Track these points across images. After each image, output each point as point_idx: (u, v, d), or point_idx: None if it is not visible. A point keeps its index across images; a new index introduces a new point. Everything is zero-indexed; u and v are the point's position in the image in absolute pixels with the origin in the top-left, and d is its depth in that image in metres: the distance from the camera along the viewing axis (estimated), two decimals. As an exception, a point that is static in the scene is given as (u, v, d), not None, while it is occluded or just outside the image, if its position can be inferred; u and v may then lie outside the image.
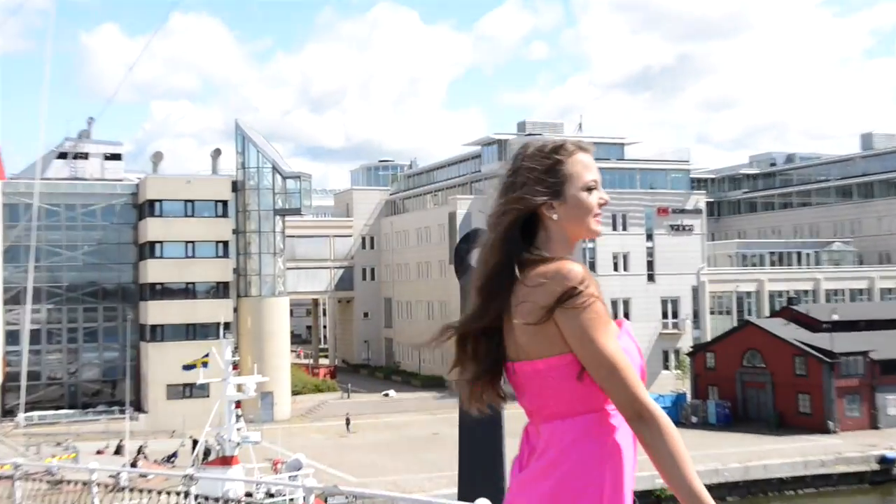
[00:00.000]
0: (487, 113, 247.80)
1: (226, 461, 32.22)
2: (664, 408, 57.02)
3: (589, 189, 2.44)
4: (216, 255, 61.52)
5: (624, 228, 70.61)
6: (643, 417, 2.24)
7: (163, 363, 58.50)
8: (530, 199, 2.41)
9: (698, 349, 61.46)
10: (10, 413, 57.30)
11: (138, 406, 60.14)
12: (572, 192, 2.43)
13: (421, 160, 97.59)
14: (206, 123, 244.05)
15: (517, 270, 2.35)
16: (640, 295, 70.09)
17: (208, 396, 56.16)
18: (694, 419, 56.15)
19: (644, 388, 2.26)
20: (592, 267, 69.28)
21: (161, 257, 60.37)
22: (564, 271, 2.30)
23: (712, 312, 72.63)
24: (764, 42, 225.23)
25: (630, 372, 2.25)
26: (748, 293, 73.30)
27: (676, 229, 71.93)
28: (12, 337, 59.17)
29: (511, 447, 2.95)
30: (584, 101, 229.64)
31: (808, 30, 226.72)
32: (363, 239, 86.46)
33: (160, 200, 60.80)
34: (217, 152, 67.91)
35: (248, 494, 25.20)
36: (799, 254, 78.78)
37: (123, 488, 9.87)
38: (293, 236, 76.34)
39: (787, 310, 60.33)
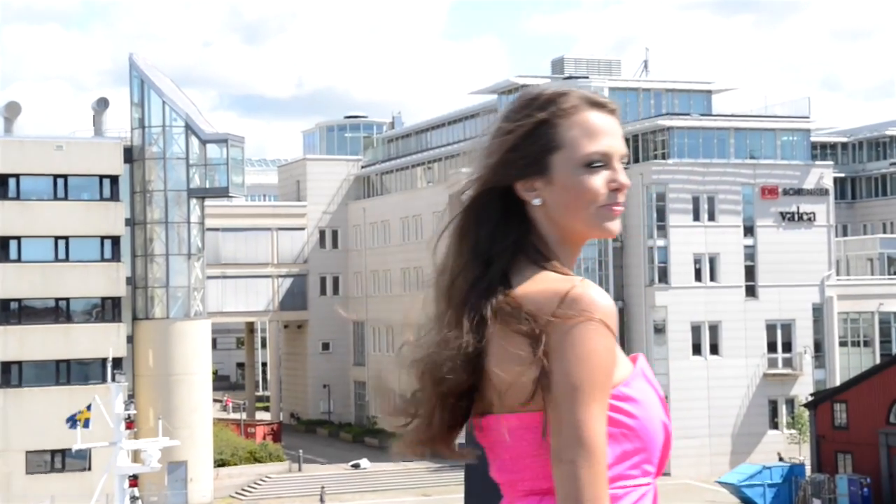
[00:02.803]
0: (508, 46, 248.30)
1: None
2: (771, 485, 57.30)
3: (591, 165, 2.46)
4: (101, 257, 61.44)
5: (711, 218, 70.51)
6: None
7: (21, 420, 58.40)
8: (498, 171, 2.48)
9: (822, 398, 61.36)
10: None
11: (-15, 483, 60.04)
12: (562, 169, 2.46)
13: (408, 116, 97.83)
14: (85, 60, 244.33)
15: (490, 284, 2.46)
16: (734, 317, 70.03)
17: (89, 469, 55.97)
18: (816, 503, 56.03)
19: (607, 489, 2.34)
20: (663, 275, 69.34)
21: (18, 261, 60.25)
22: (573, 295, 2.37)
23: (843, 343, 72.45)
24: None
25: (601, 464, 2.32)
26: (897, 314, 73.33)
27: (790, 219, 71.86)
28: None
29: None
30: (651, 28, 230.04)
31: None
32: (322, 233, 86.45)
33: (16, 175, 60.72)
34: (102, 103, 67.91)
35: None
36: (973, 256, 78.74)
37: None
38: (217, 229, 76.29)
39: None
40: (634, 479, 2.41)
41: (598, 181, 2.44)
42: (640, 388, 2.44)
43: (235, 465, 67.78)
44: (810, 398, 63.73)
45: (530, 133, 2.46)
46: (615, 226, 2.48)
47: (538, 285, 2.41)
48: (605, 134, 2.46)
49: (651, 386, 2.47)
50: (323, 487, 60.75)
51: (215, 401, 77.59)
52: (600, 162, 2.45)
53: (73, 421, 42.24)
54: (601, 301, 2.35)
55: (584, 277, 2.42)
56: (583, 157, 2.45)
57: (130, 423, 42.14)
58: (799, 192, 72.25)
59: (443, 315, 2.55)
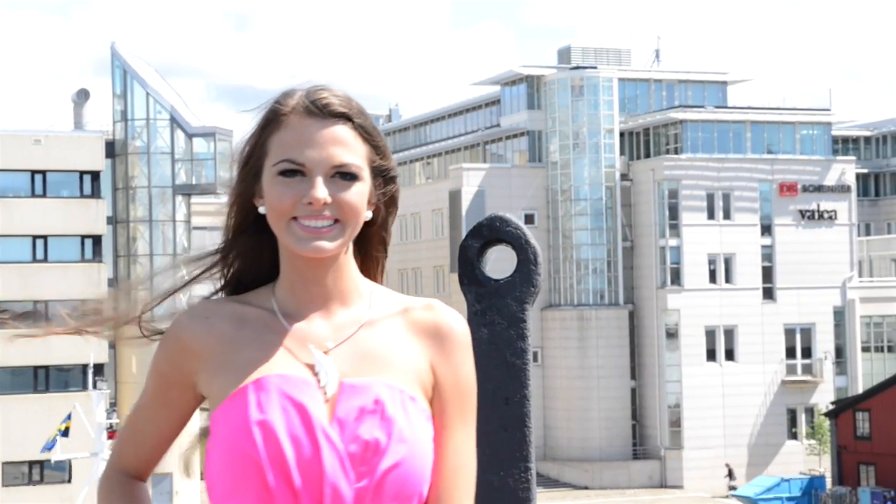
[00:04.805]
0: (513, 34, 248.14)
1: (97, 583, 32.40)
2: (789, 498, 57.26)
3: (285, 174, 2.30)
4: (82, 257, 61.46)
5: (726, 217, 70.51)
6: None
7: (-2, 428, 58.47)
8: (237, 184, 2.41)
9: (844, 407, 61.41)
10: None
11: (-41, 496, 60.08)
12: (266, 176, 2.34)
13: (406, 109, 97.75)
14: (66, 49, 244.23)
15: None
16: (751, 321, 70.02)
17: (69, 481, 55.98)
18: (837, 517, 56.10)
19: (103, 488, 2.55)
20: (676, 276, 69.28)
21: (-6, 261, 60.38)
22: None
23: (866, 349, 72.49)
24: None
25: (118, 437, 2.59)
26: (923, 318, 73.38)
27: (810, 217, 71.88)
28: None
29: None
30: (663, 15, 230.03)
31: None
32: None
33: (-7, 171, 60.85)
34: (83, 95, 67.92)
35: None
36: None
37: None
38: (204, 228, 76.21)
39: None
40: None
41: (287, 192, 2.27)
42: (226, 410, 2.37)
43: (223, 477, 67.78)
44: (831, 407, 63.75)
45: (255, 139, 2.37)
46: (308, 247, 2.28)
47: None
48: (308, 141, 2.28)
49: (245, 410, 2.32)
50: None
51: (201, 409, 77.57)
52: (294, 171, 2.28)
53: (51, 446, 42.10)
54: (183, 305, 2.57)
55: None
56: (273, 164, 2.30)
57: (112, 433, 42.15)
58: (819, 188, 72.27)
59: None
